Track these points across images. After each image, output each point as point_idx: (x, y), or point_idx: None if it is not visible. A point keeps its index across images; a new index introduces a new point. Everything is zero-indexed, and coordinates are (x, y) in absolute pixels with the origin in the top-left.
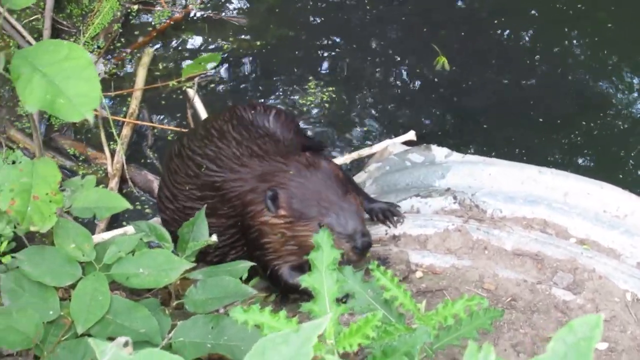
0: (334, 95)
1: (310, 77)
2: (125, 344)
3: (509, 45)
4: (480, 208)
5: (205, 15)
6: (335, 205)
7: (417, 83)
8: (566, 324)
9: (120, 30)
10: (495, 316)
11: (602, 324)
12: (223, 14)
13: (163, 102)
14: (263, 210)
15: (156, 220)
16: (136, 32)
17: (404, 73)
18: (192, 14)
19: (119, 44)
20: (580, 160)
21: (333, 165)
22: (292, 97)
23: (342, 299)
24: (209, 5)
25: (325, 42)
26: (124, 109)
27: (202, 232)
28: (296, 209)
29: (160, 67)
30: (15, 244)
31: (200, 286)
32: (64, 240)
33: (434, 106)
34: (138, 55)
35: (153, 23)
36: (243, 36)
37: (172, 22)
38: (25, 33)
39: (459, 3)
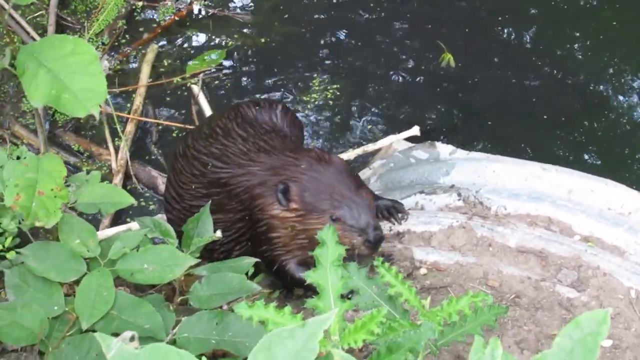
0: (338, 93)
1: (315, 75)
2: (132, 339)
3: (512, 43)
4: (485, 205)
5: (209, 12)
6: (348, 198)
7: (421, 80)
8: (571, 320)
9: (125, 27)
10: (500, 313)
11: (609, 319)
12: (227, 10)
13: (168, 99)
14: (273, 204)
15: (160, 217)
16: (141, 29)
17: (408, 70)
18: (196, 11)
19: (123, 41)
20: (584, 158)
21: (343, 160)
22: (296, 94)
23: (347, 295)
24: (213, 2)
25: (330, 39)
26: (128, 105)
27: (206, 228)
28: (308, 202)
29: (165, 63)
30: (19, 239)
31: (204, 282)
32: (69, 236)
33: (438, 103)
34: (142, 51)
35: (157, 20)
36: (247, 33)
37: (176, 19)
38: (29, 29)
39: (462, 2)
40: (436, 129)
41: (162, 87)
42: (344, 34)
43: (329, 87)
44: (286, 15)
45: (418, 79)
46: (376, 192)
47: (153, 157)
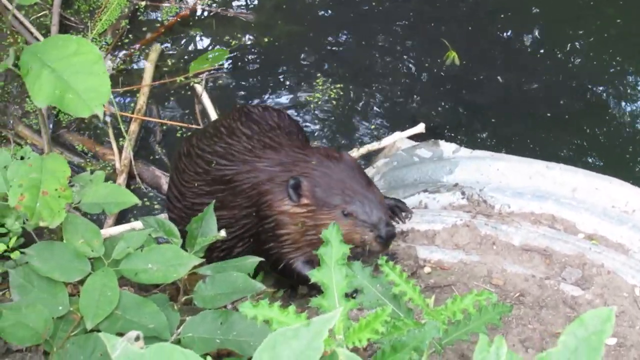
0: (341, 92)
1: (318, 74)
2: (137, 339)
3: (515, 41)
4: (488, 203)
5: (212, 12)
6: (359, 194)
7: (425, 79)
8: (575, 319)
9: (128, 27)
10: (504, 311)
11: (613, 317)
12: (230, 10)
13: (171, 99)
14: (283, 200)
15: (164, 217)
16: (144, 29)
17: (412, 69)
18: (199, 11)
19: (126, 40)
20: (587, 156)
21: (353, 158)
22: (299, 93)
23: (352, 294)
24: (216, 1)
25: (333, 38)
26: (132, 104)
27: (210, 228)
28: (319, 198)
29: (169, 63)
30: (24, 239)
31: (209, 282)
32: (73, 236)
33: (441, 102)
34: (146, 51)
35: (161, 19)
36: (250, 32)
37: (179, 19)
38: (33, 29)
39: (464, 0)
40: (440, 128)
41: (166, 86)
42: (347, 32)
43: (332, 87)
44: (289, 15)
45: (421, 77)
46: (380, 191)
47: (157, 156)
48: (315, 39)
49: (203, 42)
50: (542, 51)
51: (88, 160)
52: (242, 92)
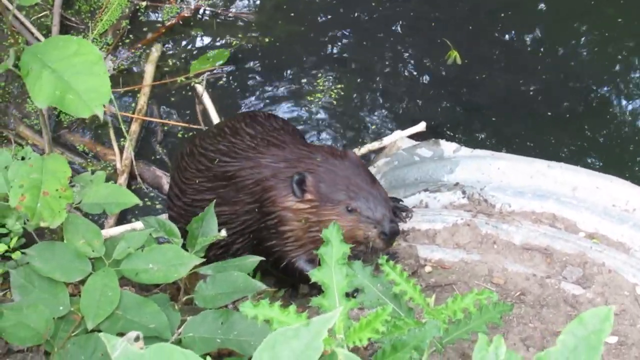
0: (342, 93)
1: (319, 74)
2: (136, 339)
3: (516, 40)
4: (489, 202)
5: (213, 12)
6: (364, 190)
7: (426, 78)
8: (576, 317)
9: (129, 27)
10: (505, 310)
11: (612, 316)
12: (231, 10)
13: (172, 99)
14: (287, 196)
15: (165, 217)
16: (145, 29)
17: (412, 68)
18: (200, 11)
19: (127, 41)
20: (589, 155)
21: (358, 156)
22: (301, 93)
23: (352, 294)
24: (217, 1)
25: (334, 38)
26: (133, 105)
27: (211, 227)
28: (323, 193)
29: (170, 63)
30: (25, 240)
31: (209, 281)
32: (74, 236)
33: (443, 101)
34: (147, 51)
35: (162, 19)
36: (251, 32)
37: (180, 20)
38: (34, 30)
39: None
40: (441, 127)
41: (167, 86)
42: (347, 32)
43: (333, 87)
44: (290, 15)
45: (422, 77)
46: None
47: (158, 156)
48: (316, 39)
49: (204, 42)
50: (542, 51)
51: (89, 160)
52: (243, 92)
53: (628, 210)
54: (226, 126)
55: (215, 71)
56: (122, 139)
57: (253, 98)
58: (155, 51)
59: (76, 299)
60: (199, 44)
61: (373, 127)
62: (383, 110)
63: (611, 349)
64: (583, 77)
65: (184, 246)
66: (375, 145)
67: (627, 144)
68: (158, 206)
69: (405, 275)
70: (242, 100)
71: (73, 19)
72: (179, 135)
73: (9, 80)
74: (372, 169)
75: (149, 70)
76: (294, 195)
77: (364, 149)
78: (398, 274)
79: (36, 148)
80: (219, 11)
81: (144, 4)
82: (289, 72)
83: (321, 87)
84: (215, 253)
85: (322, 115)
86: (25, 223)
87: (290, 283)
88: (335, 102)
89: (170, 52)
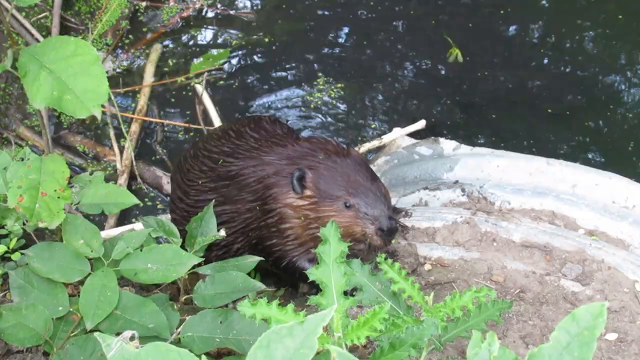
0: (342, 92)
1: (320, 73)
2: (132, 338)
3: (517, 37)
4: (489, 200)
5: (213, 11)
6: (363, 187)
7: (426, 76)
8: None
9: (129, 27)
10: (504, 308)
11: (605, 312)
12: (231, 9)
13: (172, 99)
14: (288, 192)
15: (166, 217)
16: (144, 29)
17: (413, 66)
18: (201, 10)
19: (127, 41)
20: (589, 152)
21: (360, 154)
22: (301, 92)
23: (352, 292)
24: (217, 1)
25: (334, 37)
26: (133, 105)
27: (210, 227)
28: (322, 189)
29: (170, 63)
30: (24, 241)
31: (208, 281)
32: (73, 237)
33: (443, 98)
34: (147, 51)
35: (161, 19)
36: (251, 32)
37: (179, 19)
38: (33, 31)
39: None
40: (441, 125)
41: (167, 86)
42: (347, 31)
43: (333, 86)
44: (290, 14)
45: (422, 75)
46: None
47: (158, 157)
48: (316, 38)
49: (203, 42)
50: (542, 48)
51: (89, 161)
52: (243, 92)
53: (628, 207)
54: (231, 129)
55: (215, 71)
56: (122, 140)
57: (253, 97)
58: (155, 51)
59: (75, 299)
60: (198, 43)
61: (373, 125)
62: (383, 109)
63: (611, 346)
64: (584, 73)
65: (183, 246)
66: (375, 143)
67: (627, 140)
68: (159, 206)
69: (404, 274)
70: (242, 100)
71: (73, 19)
72: (179, 136)
73: (9, 82)
74: (372, 168)
75: (149, 70)
76: (294, 191)
77: (364, 148)
78: (396, 272)
79: (37, 149)
80: (219, 11)
81: (143, 4)
82: (288, 71)
83: (321, 87)
84: (217, 254)
85: (322, 113)
86: (24, 224)
87: (290, 282)
88: (335, 101)
89: (170, 52)
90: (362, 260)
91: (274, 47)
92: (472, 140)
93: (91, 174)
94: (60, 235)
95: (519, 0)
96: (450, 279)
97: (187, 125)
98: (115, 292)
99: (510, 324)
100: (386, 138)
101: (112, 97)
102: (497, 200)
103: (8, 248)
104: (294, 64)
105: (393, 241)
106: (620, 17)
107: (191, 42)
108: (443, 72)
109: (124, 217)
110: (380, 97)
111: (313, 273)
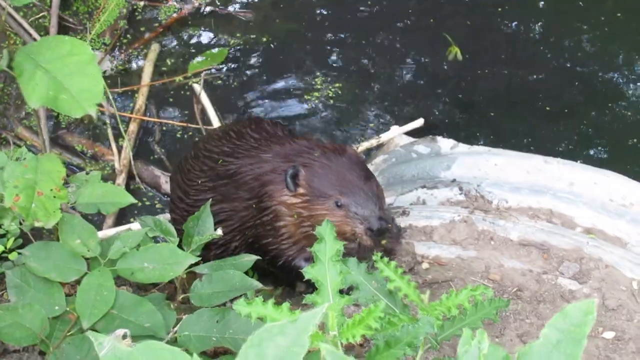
0: (340, 91)
1: (317, 72)
2: (124, 336)
3: (516, 36)
4: (486, 199)
5: (211, 10)
6: (355, 186)
7: (424, 75)
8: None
9: (127, 27)
10: (501, 306)
11: (595, 309)
12: (229, 8)
13: (170, 99)
14: (283, 190)
15: (165, 217)
16: (142, 29)
17: (411, 65)
18: (199, 9)
19: (125, 41)
20: (589, 150)
21: (358, 153)
22: (299, 91)
23: (348, 291)
24: (215, 0)
25: (332, 35)
26: (131, 105)
27: (207, 227)
28: (315, 187)
29: (168, 62)
30: (22, 240)
31: (205, 280)
32: (69, 236)
33: (441, 97)
34: (145, 51)
35: (159, 19)
36: (249, 31)
37: (178, 19)
38: (32, 31)
39: None
40: (439, 123)
41: (165, 86)
42: (345, 30)
43: (331, 85)
44: (288, 13)
45: (421, 73)
46: None
47: (156, 156)
48: (314, 37)
49: (202, 42)
50: (541, 46)
51: (87, 160)
52: (241, 91)
53: (625, 205)
54: (232, 130)
55: (213, 70)
56: (120, 139)
57: (251, 97)
58: (153, 51)
59: (72, 298)
60: (196, 43)
61: (372, 125)
62: (381, 108)
63: (608, 344)
64: (583, 71)
65: (180, 246)
66: (373, 142)
67: (625, 138)
68: (158, 205)
69: (400, 272)
70: (240, 99)
71: (71, 19)
72: (178, 135)
73: (7, 82)
74: (370, 167)
75: (147, 70)
76: (288, 188)
77: (362, 146)
78: (392, 271)
79: (35, 149)
80: (217, 10)
81: (141, 3)
82: (286, 70)
83: (319, 86)
84: (215, 252)
85: (320, 113)
86: (21, 223)
87: (288, 281)
88: (333, 100)
89: (168, 51)
90: (358, 259)
91: (272, 46)
92: (470, 139)
93: (88, 173)
94: (57, 235)
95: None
96: (447, 278)
97: (185, 124)
98: (112, 291)
99: (507, 323)
100: (384, 137)
101: (111, 97)
102: (495, 199)
103: (5, 248)
104: (292, 63)
105: (383, 242)
106: (619, 15)
107: (189, 42)
108: (442, 70)
109: (123, 216)
110: (378, 96)
111: (309, 272)
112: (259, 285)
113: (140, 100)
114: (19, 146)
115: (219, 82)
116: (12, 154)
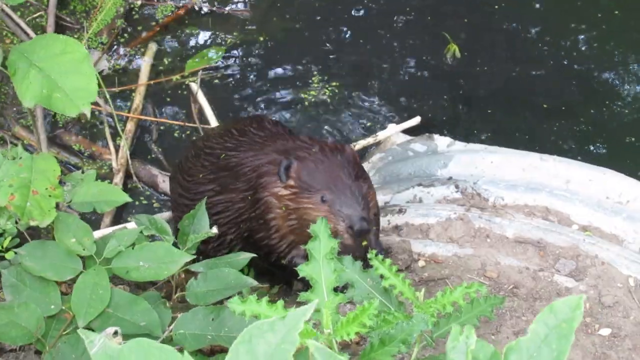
0: (337, 90)
1: (315, 71)
2: (115, 334)
3: (514, 33)
4: (482, 196)
5: (209, 9)
6: (343, 183)
7: (422, 73)
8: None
9: (124, 26)
10: (496, 303)
11: (582, 305)
12: (227, 7)
13: (168, 98)
14: (276, 181)
15: (162, 215)
16: (139, 28)
17: (409, 64)
18: (195, 8)
19: (122, 40)
20: (586, 148)
21: (356, 154)
22: (296, 90)
23: (343, 289)
24: None
25: (329, 34)
26: (128, 104)
27: (202, 225)
28: (304, 180)
29: (165, 62)
30: (19, 240)
31: (201, 278)
32: (65, 235)
33: (439, 95)
34: (142, 50)
35: (157, 18)
36: (246, 30)
37: (175, 18)
38: (29, 30)
39: None
40: (437, 121)
41: (162, 85)
42: (343, 28)
43: (328, 84)
44: (285, 12)
45: (419, 71)
46: (375, 186)
47: (153, 155)
48: (312, 36)
49: (199, 41)
50: (539, 44)
51: (85, 160)
52: (239, 90)
53: (621, 202)
54: (233, 128)
55: (210, 69)
56: (117, 138)
57: (248, 95)
58: (150, 50)
59: (67, 297)
60: (194, 42)
61: (369, 123)
62: (379, 106)
63: (604, 341)
64: (580, 70)
65: (175, 244)
66: (370, 140)
67: (622, 136)
68: (154, 205)
69: (395, 270)
70: (237, 98)
71: (68, 19)
72: (175, 134)
73: (4, 81)
74: (367, 165)
75: (144, 69)
76: (280, 180)
77: (359, 145)
78: (387, 268)
79: (32, 148)
80: (214, 9)
81: (138, 2)
82: (284, 69)
83: (316, 84)
84: (213, 245)
85: (317, 111)
86: (16, 222)
87: (284, 280)
88: (330, 99)
89: (166, 50)
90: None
91: (269, 45)
92: (468, 137)
93: (83, 172)
94: (53, 234)
95: None
96: (444, 275)
97: (182, 124)
98: (107, 290)
99: (503, 320)
100: (381, 135)
101: (108, 96)
102: (491, 197)
103: (2, 247)
104: (289, 62)
105: (386, 238)
106: (617, 12)
107: (186, 41)
108: (440, 68)
109: (120, 216)
110: (375, 94)
111: (303, 269)
112: (254, 283)
113: (138, 99)
114: (16, 145)
115: (217, 81)
116: (8, 153)
